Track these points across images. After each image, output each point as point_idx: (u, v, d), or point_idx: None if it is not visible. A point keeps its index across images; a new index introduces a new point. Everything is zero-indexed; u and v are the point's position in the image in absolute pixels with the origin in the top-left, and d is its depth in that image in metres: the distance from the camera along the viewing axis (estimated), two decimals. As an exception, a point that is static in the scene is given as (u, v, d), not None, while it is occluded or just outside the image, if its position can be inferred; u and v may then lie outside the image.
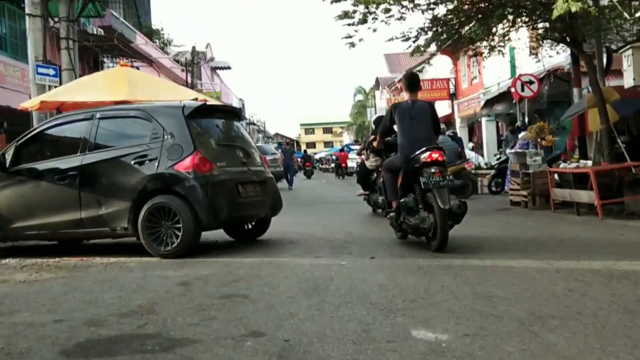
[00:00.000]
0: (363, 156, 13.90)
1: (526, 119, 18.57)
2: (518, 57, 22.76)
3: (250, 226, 9.24)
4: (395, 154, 8.23)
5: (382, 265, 6.61)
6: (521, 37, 18.37)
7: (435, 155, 7.46)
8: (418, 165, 7.51)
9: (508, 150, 16.55)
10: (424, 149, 7.52)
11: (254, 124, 77.21)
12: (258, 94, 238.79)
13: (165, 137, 7.86)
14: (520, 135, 16.67)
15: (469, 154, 21.09)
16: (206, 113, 8.60)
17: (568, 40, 12.96)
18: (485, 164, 20.37)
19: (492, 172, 17.82)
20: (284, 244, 8.74)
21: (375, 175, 12.23)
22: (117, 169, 7.99)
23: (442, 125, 15.64)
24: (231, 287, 5.72)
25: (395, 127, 8.18)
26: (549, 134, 18.20)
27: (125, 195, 7.80)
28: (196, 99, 9.86)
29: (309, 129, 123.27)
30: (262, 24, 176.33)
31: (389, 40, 14.37)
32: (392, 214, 8.21)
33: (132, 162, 7.86)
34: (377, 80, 58.17)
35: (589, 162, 12.67)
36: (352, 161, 36.06)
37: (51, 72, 15.00)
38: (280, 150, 28.85)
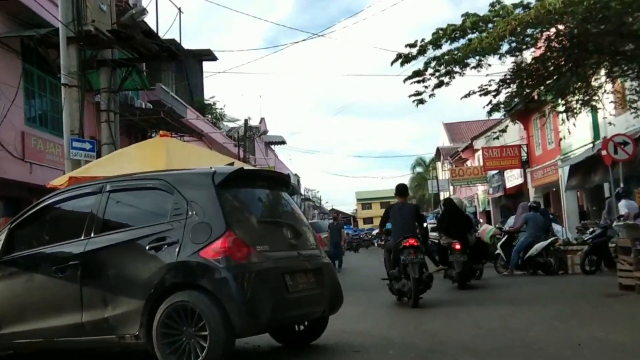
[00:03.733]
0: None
1: (621, 185, 16.10)
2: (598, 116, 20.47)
3: (301, 327, 7.11)
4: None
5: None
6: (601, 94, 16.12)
7: (411, 241, 10.66)
8: (401, 248, 10.68)
9: (615, 223, 14.07)
10: (405, 236, 10.78)
11: (309, 199, 75.87)
12: (314, 169, 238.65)
13: (190, 213, 5.98)
14: (621, 204, 14.29)
15: (556, 227, 18.60)
16: (244, 181, 6.65)
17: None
18: (576, 238, 17.87)
19: (586, 248, 15.39)
20: (345, 352, 6.66)
21: (449, 251, 13.47)
22: (128, 256, 6.14)
23: (532, 201, 19.26)
24: None
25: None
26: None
27: (136, 291, 5.91)
28: (232, 164, 7.93)
29: (366, 203, 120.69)
30: (317, 99, 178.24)
31: (466, 96, 12.47)
32: (388, 281, 11.29)
33: (147, 248, 5.99)
34: (437, 150, 56.34)
35: None
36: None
37: (87, 146, 13.70)
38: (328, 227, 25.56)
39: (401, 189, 11.87)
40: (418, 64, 11.55)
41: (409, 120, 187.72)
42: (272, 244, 6.26)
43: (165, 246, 5.92)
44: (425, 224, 12.72)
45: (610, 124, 18.15)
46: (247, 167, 8.35)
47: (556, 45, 11.31)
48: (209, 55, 32.19)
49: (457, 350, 6.50)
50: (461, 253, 13.18)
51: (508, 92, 12.37)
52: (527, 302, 10.55)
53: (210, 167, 6.53)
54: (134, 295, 5.93)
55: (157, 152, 11.29)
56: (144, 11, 16.51)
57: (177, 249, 5.85)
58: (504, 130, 17.15)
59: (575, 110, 13.36)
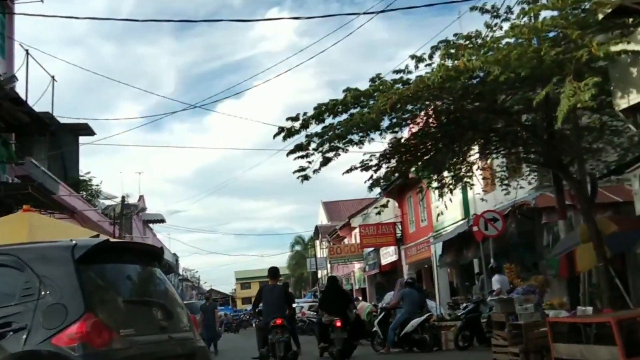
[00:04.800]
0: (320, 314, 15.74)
1: (492, 261, 16.51)
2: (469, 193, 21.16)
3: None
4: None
5: None
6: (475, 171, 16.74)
7: (278, 321, 11.63)
8: (270, 327, 11.65)
9: (489, 298, 14.28)
10: (273, 316, 11.74)
11: (187, 280, 73.92)
12: (194, 248, 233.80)
13: (43, 293, 5.22)
14: (494, 279, 14.58)
15: (430, 303, 18.77)
16: (110, 255, 5.96)
17: (552, 164, 11.30)
18: (449, 314, 18.04)
19: (459, 323, 15.46)
20: None
21: (331, 328, 13.96)
22: None
23: (408, 277, 20.11)
24: None
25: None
26: (516, 277, 16.30)
27: None
28: (97, 236, 7.17)
29: (245, 283, 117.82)
30: (199, 178, 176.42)
31: (348, 171, 12.48)
32: None
33: (-12, 336, 5.16)
34: (316, 228, 56.54)
35: (589, 309, 10.53)
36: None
37: None
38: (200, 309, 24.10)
39: (273, 272, 12.98)
40: (302, 139, 11.46)
41: (289, 199, 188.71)
42: (139, 327, 5.61)
43: (10, 333, 5.10)
44: (294, 304, 14.65)
45: (482, 199, 18.79)
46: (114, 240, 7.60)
47: (433, 121, 11.56)
48: (86, 130, 31.22)
49: None
50: (342, 330, 13.71)
51: (388, 168, 12.47)
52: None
53: (71, 240, 5.85)
54: None
55: (18, 228, 10.23)
56: (12, 78, 15.65)
57: (24, 336, 5.04)
58: (385, 206, 17.44)
59: (450, 187, 13.61)
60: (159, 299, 6.35)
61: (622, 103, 8.34)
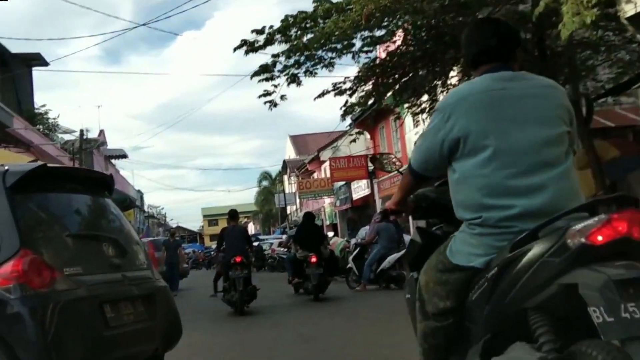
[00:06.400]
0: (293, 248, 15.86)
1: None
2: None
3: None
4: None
5: None
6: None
7: (238, 259, 12.34)
8: (231, 264, 12.41)
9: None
10: (234, 254, 12.46)
11: (153, 216, 73.00)
12: (158, 184, 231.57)
13: (-31, 226, 4.35)
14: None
15: (407, 238, 18.16)
16: (49, 183, 5.02)
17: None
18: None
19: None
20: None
21: (305, 264, 14.17)
22: None
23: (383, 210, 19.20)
24: None
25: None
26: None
27: None
28: (35, 161, 6.22)
29: (212, 220, 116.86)
30: (161, 113, 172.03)
31: (320, 95, 11.59)
32: (220, 294, 13.60)
33: None
34: (284, 163, 55.60)
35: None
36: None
37: None
38: (163, 245, 22.63)
39: (232, 214, 13.73)
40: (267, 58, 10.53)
41: (255, 134, 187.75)
42: (87, 265, 4.75)
43: None
44: (257, 243, 15.56)
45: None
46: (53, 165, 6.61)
47: (412, 38, 10.63)
48: (38, 60, 29.85)
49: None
50: (317, 266, 13.86)
51: (363, 92, 11.59)
52: (384, 320, 9.66)
53: (2, 165, 4.92)
54: None
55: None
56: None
57: None
58: (361, 133, 16.50)
59: (429, 112, 12.73)
60: (111, 233, 5.44)
61: (629, 9, 7.45)
